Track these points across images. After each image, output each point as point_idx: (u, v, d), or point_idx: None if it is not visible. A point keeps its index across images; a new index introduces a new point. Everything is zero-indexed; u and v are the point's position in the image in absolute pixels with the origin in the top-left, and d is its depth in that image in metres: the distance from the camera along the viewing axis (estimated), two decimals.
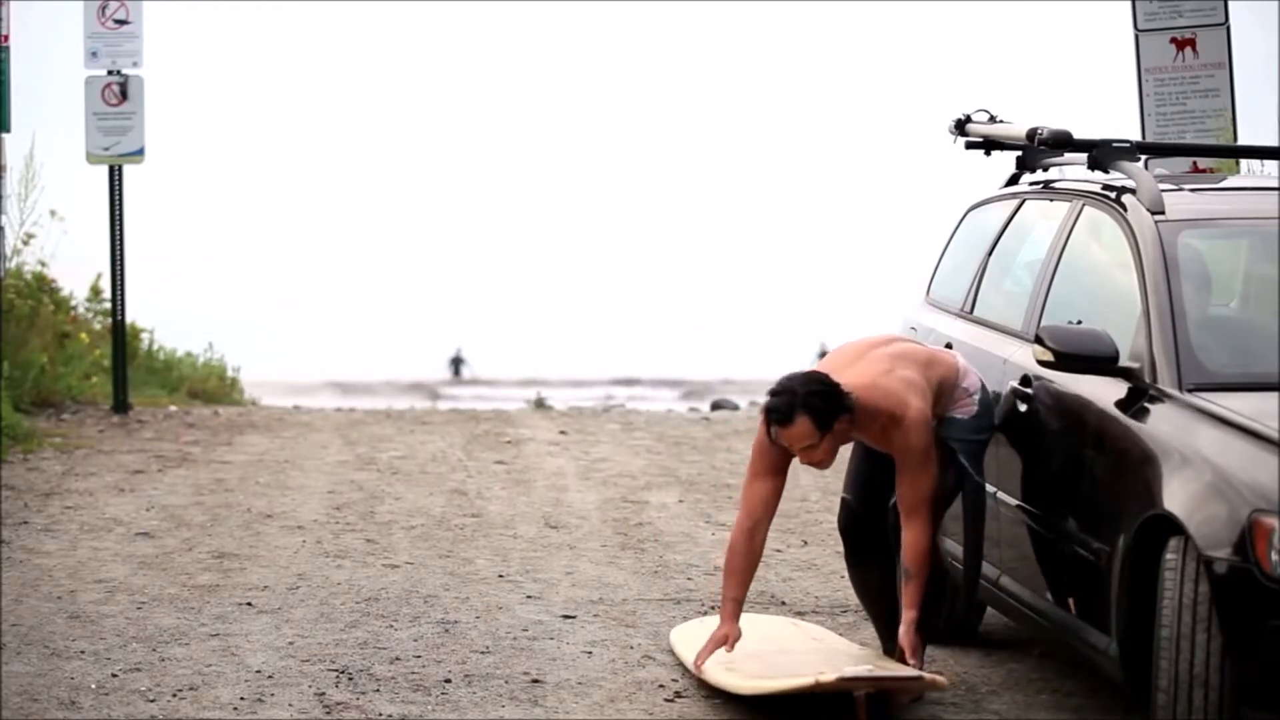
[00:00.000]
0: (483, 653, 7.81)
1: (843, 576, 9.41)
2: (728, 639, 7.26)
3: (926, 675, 6.87)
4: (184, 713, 6.94)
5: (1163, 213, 7.03)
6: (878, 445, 7.27)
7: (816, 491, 11.66)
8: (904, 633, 7.12)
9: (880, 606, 7.62)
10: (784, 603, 8.83)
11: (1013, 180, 8.60)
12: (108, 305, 15.61)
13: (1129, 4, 11.24)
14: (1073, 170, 8.22)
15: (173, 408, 15.36)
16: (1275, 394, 6.27)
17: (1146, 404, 6.49)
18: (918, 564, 7.11)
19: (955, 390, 7.30)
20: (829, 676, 6.70)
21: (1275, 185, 7.44)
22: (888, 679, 6.84)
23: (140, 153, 14.62)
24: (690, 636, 7.86)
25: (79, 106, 14.59)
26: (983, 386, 7.37)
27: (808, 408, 7.00)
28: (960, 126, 8.55)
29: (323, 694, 7.18)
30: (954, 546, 7.89)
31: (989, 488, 7.45)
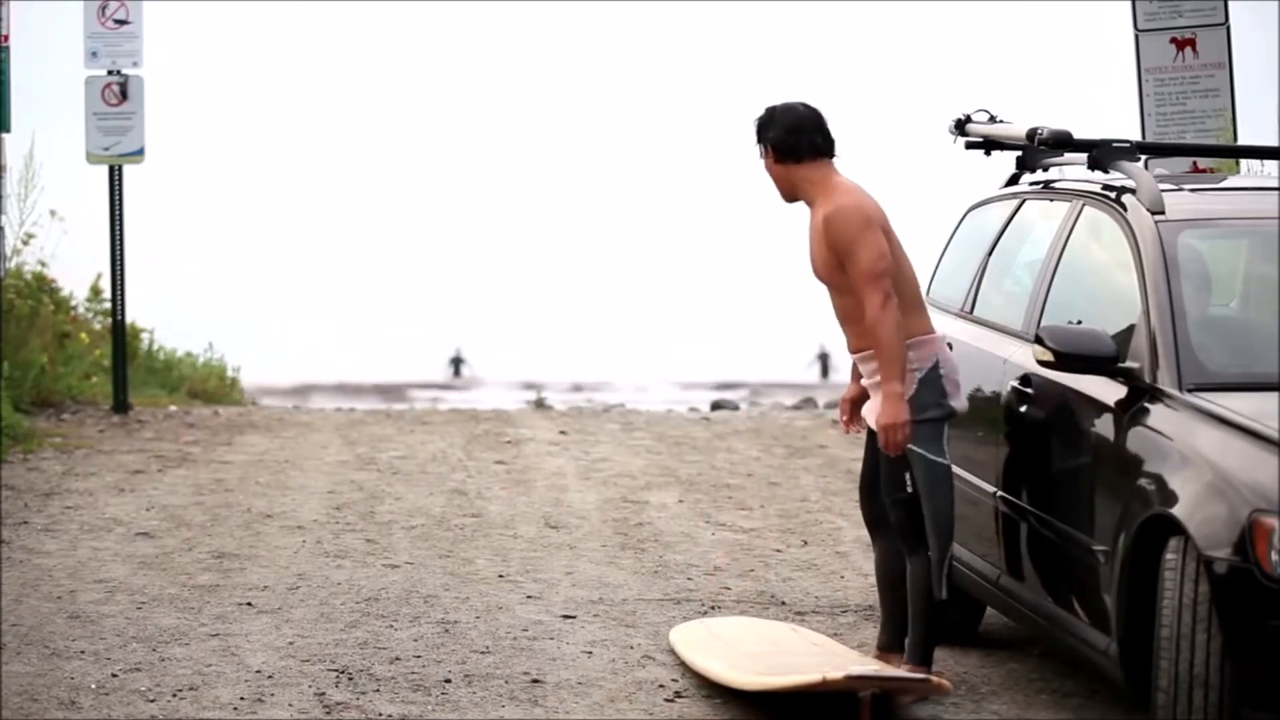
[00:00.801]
0: (483, 653, 7.81)
1: (843, 576, 9.41)
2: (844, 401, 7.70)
3: (933, 678, 6.87)
4: (184, 713, 6.94)
5: (1163, 213, 7.02)
6: (814, 246, 7.32)
7: (816, 492, 11.66)
8: (881, 403, 7.12)
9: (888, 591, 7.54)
10: (784, 602, 8.82)
11: (1013, 180, 8.60)
12: (108, 305, 15.61)
13: (1129, 4, 11.24)
14: (1073, 170, 8.21)
15: (173, 408, 15.36)
16: (1275, 394, 6.27)
17: (1146, 404, 6.49)
18: (874, 340, 7.10)
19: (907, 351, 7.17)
20: (836, 675, 6.71)
21: (1275, 185, 7.44)
22: (894, 679, 6.84)
23: (140, 153, 14.62)
24: (690, 636, 7.86)
25: (79, 106, 14.59)
26: (934, 366, 7.20)
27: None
28: (960, 126, 8.55)
29: (323, 694, 7.17)
30: (954, 547, 7.89)
31: (988, 486, 7.45)
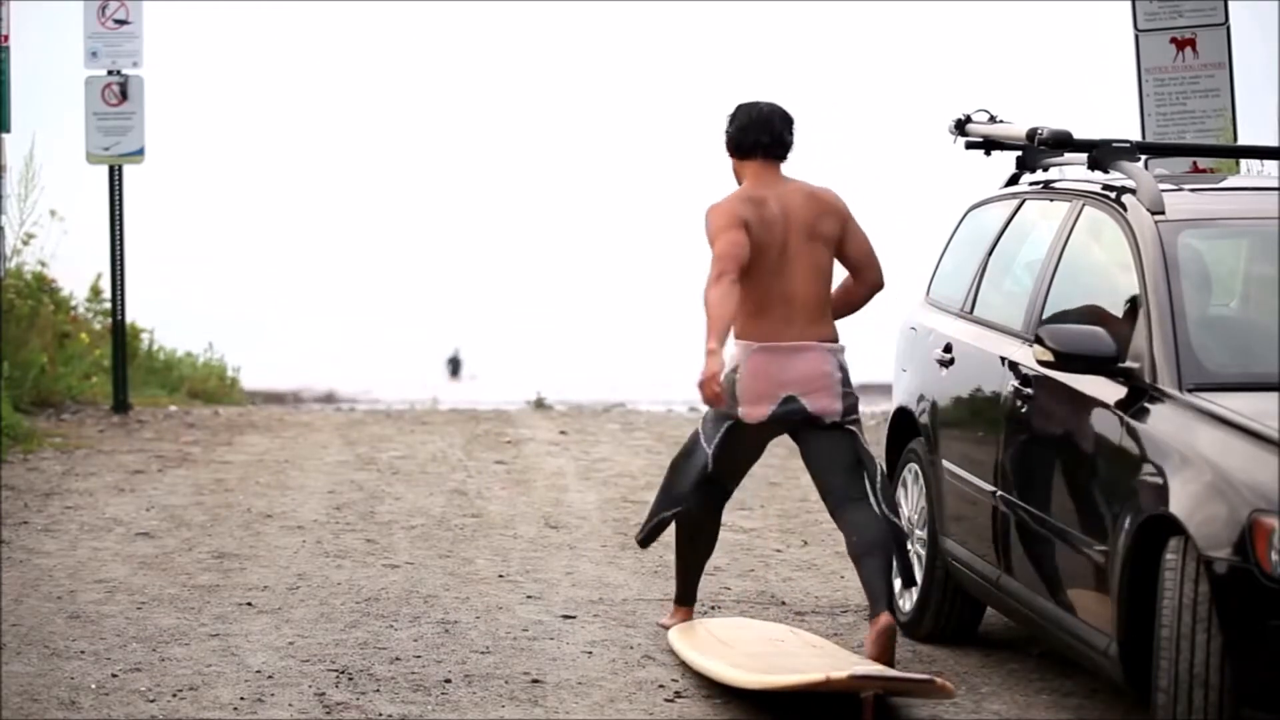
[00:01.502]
0: (483, 653, 7.80)
1: (843, 576, 9.41)
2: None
3: (937, 680, 6.86)
4: (184, 713, 6.94)
5: (1163, 213, 7.02)
6: None
7: (816, 492, 11.64)
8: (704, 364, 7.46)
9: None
10: (784, 603, 8.82)
11: (1013, 180, 8.60)
12: (108, 305, 15.61)
13: (1129, 4, 11.24)
14: (1073, 170, 8.21)
15: (173, 408, 15.36)
16: (1275, 394, 6.27)
17: (1146, 404, 6.49)
18: (705, 309, 7.52)
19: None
20: (840, 674, 6.70)
21: (1275, 185, 7.44)
22: (898, 680, 6.83)
23: (140, 153, 14.62)
24: (690, 636, 7.86)
25: (79, 106, 14.60)
26: (733, 369, 7.67)
27: None
28: (960, 126, 8.55)
29: (323, 694, 7.17)
30: (954, 547, 7.90)
31: (987, 486, 7.46)
